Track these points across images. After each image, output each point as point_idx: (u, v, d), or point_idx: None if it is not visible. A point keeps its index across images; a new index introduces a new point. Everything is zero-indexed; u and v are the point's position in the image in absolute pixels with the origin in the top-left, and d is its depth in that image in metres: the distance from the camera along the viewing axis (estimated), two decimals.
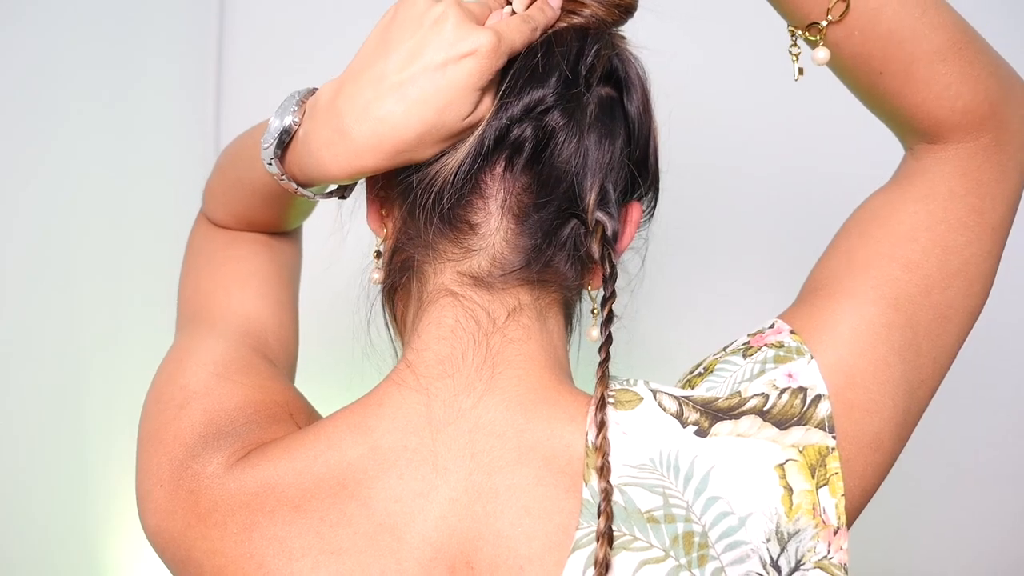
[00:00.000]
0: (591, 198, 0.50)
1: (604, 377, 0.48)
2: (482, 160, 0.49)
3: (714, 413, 0.47)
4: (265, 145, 0.51)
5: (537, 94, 0.49)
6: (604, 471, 0.45)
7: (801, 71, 0.51)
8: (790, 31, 0.51)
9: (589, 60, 0.50)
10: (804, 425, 0.46)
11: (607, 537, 0.44)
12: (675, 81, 1.09)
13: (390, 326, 0.56)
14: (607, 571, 0.44)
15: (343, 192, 0.56)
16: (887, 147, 1.16)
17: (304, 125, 0.50)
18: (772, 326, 0.51)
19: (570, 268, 0.51)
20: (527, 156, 0.49)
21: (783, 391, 0.47)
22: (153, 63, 1.18)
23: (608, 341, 0.49)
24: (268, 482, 0.48)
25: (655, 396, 0.48)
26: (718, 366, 0.50)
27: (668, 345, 1.17)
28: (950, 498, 1.15)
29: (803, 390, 0.47)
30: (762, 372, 0.48)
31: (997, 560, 1.15)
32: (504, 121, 0.48)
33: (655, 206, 0.58)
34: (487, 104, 0.48)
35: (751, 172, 1.15)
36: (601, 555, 0.43)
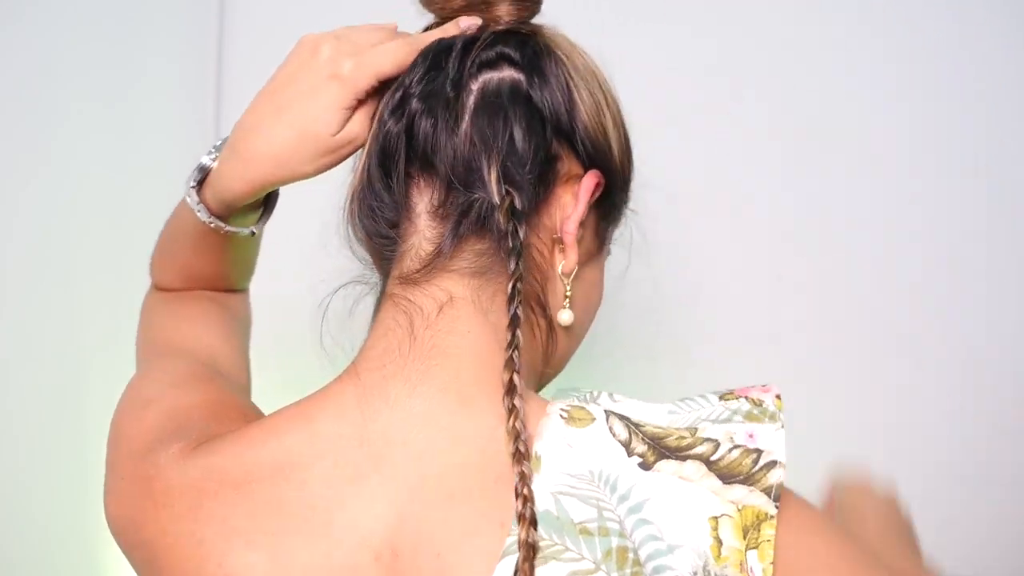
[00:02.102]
0: (491, 175, 0.50)
1: (511, 362, 0.47)
2: (373, 172, 0.53)
3: (661, 450, 0.47)
4: (186, 180, 0.61)
5: (398, 94, 0.53)
6: (518, 458, 0.45)
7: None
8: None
9: (457, 49, 0.53)
10: (749, 486, 0.46)
11: (528, 546, 0.43)
12: (678, 87, 1.08)
13: None
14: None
15: (253, 228, 0.64)
16: (884, 145, 1.16)
17: (218, 161, 0.59)
18: (764, 385, 0.51)
19: (498, 252, 0.51)
20: (403, 150, 0.52)
21: (735, 447, 0.47)
22: (153, 63, 1.18)
23: (514, 321, 0.48)
24: (214, 466, 0.50)
25: (607, 419, 0.48)
26: (691, 398, 0.50)
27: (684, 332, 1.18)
28: (938, 500, 1.15)
29: (758, 452, 0.47)
30: (728, 420, 0.48)
31: (990, 563, 1.15)
32: (379, 128, 0.53)
33: (622, 188, 0.57)
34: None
35: (751, 174, 1.15)
36: (526, 566, 0.42)
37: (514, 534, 0.44)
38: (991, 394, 1.13)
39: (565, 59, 0.54)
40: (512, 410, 0.46)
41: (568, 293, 0.54)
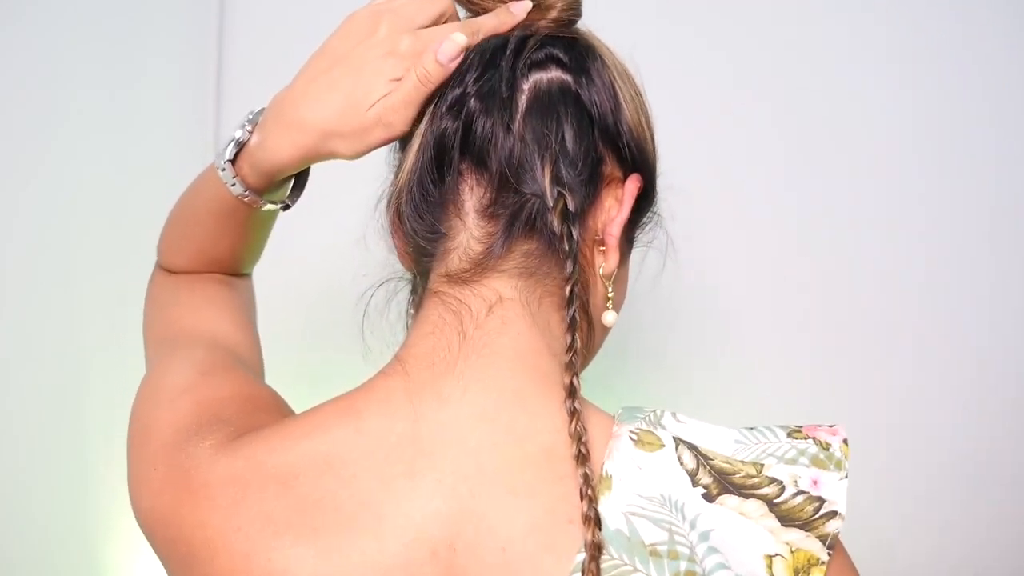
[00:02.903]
0: (545, 176, 0.50)
1: (571, 365, 0.48)
2: (425, 168, 0.53)
3: (726, 485, 0.47)
4: (219, 153, 0.60)
5: (456, 91, 0.53)
6: (581, 460, 0.45)
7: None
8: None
9: (511, 49, 0.53)
10: (807, 532, 0.46)
11: (594, 546, 0.43)
12: (687, 90, 1.08)
13: None
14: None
15: (286, 204, 0.63)
16: (889, 145, 1.16)
17: (255, 134, 0.58)
18: (832, 425, 0.50)
19: (549, 255, 0.52)
20: (457, 147, 0.52)
21: (799, 492, 0.47)
22: (153, 63, 1.17)
23: (573, 324, 0.49)
24: (258, 459, 0.49)
25: (677, 447, 0.48)
26: (758, 429, 0.50)
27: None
28: (938, 501, 1.15)
29: (820, 501, 0.47)
30: (794, 461, 0.48)
31: (990, 563, 1.15)
32: (434, 125, 0.53)
33: (654, 190, 0.58)
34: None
35: (755, 176, 1.15)
36: (592, 566, 0.43)
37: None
38: (993, 395, 1.13)
39: (608, 61, 0.55)
40: (574, 413, 0.47)
41: (611, 295, 0.55)
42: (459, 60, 0.52)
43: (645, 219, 0.58)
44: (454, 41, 0.52)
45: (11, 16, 1.00)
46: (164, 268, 0.70)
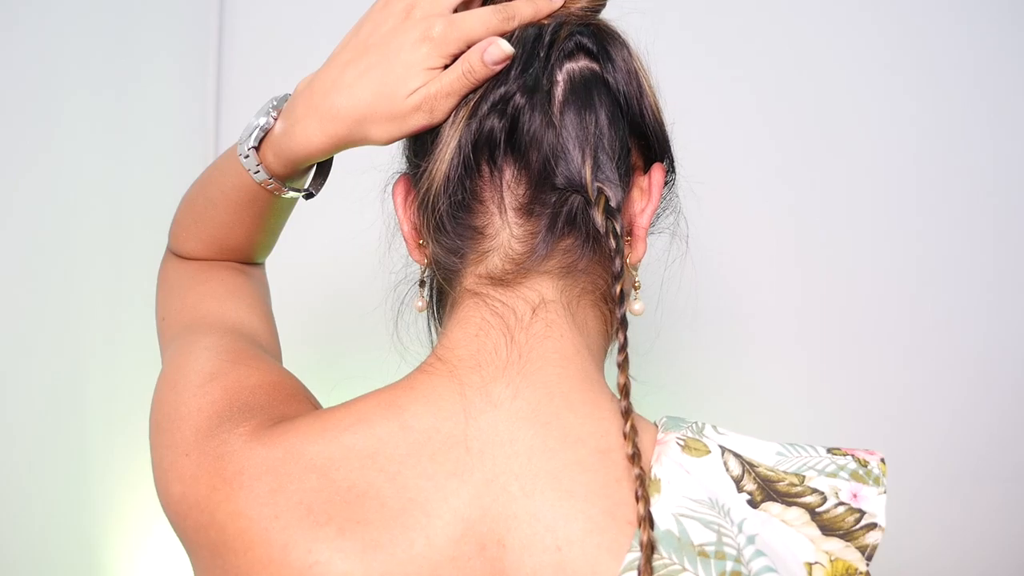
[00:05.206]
0: (586, 170, 0.50)
1: (625, 364, 0.48)
2: (465, 166, 0.51)
3: (770, 492, 0.48)
4: (242, 140, 0.58)
5: (500, 90, 0.51)
6: (636, 459, 0.46)
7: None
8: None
9: (547, 40, 0.52)
10: (847, 541, 0.47)
11: (649, 546, 0.44)
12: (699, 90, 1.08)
13: (434, 335, 0.58)
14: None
15: (310, 192, 0.62)
16: (888, 148, 1.16)
17: (280, 121, 0.56)
18: (868, 449, 0.52)
19: (586, 251, 0.51)
20: (502, 145, 0.50)
21: (840, 503, 0.48)
22: (153, 63, 1.18)
23: (623, 324, 0.49)
24: (296, 449, 0.49)
25: (723, 454, 0.49)
26: (799, 445, 0.51)
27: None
28: (938, 500, 1.15)
29: (860, 512, 0.48)
30: (834, 475, 0.49)
31: (990, 563, 1.15)
32: (475, 123, 0.51)
33: (673, 172, 0.57)
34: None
35: (752, 176, 1.15)
36: (648, 567, 0.43)
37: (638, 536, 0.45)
38: (992, 395, 1.13)
39: (630, 48, 0.54)
40: (628, 412, 0.47)
41: (637, 283, 0.54)
42: (504, 64, 0.51)
43: (661, 207, 0.57)
44: (501, 49, 0.51)
45: (11, 16, 1.00)
46: (175, 254, 0.69)
